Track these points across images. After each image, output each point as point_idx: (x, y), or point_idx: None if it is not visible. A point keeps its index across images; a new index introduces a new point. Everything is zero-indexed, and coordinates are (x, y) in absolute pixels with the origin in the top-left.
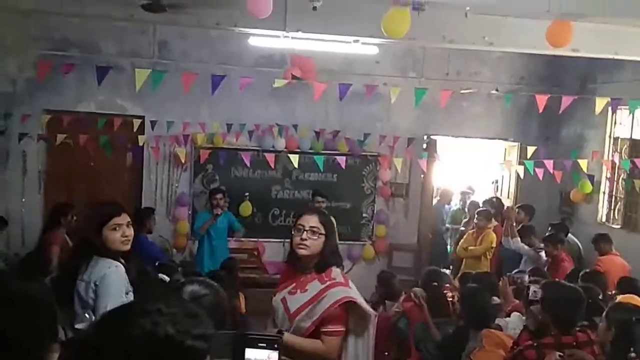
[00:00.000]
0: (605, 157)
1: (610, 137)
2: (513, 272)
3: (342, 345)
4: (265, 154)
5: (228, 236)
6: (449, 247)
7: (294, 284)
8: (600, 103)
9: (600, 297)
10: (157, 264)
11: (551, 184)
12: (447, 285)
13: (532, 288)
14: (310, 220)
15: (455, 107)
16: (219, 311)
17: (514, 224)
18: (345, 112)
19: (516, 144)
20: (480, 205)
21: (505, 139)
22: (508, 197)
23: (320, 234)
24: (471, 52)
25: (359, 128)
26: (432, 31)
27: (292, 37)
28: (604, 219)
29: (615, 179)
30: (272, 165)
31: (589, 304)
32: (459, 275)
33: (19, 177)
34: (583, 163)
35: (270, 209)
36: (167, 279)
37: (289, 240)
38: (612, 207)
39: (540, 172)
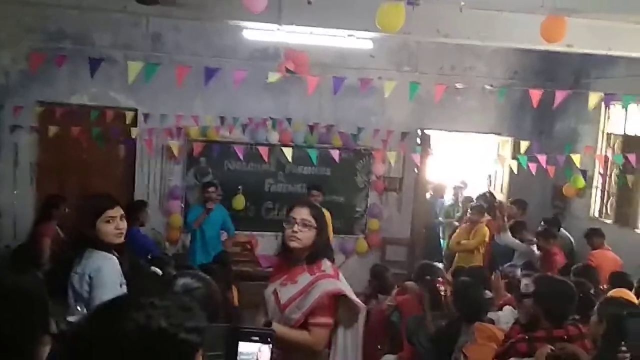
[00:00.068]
0: (598, 152)
1: (603, 132)
2: (505, 266)
3: (331, 337)
4: (259, 148)
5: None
6: (442, 241)
7: (285, 276)
8: (593, 98)
9: (592, 291)
10: (149, 256)
11: (544, 178)
12: (440, 279)
13: (524, 282)
14: (302, 213)
15: (449, 101)
16: (212, 304)
17: (505, 219)
18: (339, 106)
19: (510, 138)
20: (474, 200)
21: (499, 134)
22: (501, 192)
23: (312, 226)
24: (466, 47)
25: (352, 122)
26: (427, 26)
27: (287, 31)
28: (596, 214)
29: (608, 174)
30: (266, 159)
31: (580, 298)
32: (452, 269)
33: (10, 169)
34: (576, 158)
35: (264, 202)
36: (159, 272)
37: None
38: (605, 202)
39: (533, 167)
